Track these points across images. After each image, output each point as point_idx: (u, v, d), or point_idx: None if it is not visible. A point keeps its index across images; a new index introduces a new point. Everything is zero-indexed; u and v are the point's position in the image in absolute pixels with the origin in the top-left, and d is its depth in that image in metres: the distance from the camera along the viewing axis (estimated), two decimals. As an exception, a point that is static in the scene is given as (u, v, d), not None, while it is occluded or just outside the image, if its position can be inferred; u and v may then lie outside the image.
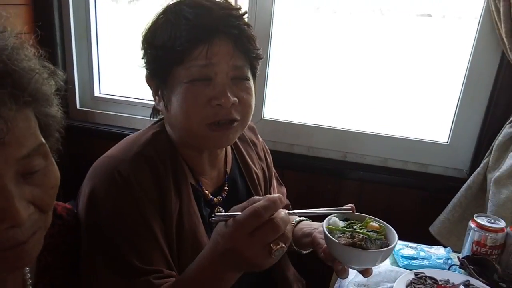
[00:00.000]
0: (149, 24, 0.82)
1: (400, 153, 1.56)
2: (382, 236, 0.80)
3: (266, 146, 1.16)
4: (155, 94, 0.84)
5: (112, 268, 0.73)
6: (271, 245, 0.62)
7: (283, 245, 0.63)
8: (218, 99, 0.76)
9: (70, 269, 0.75)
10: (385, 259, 0.79)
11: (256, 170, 1.02)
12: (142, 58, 0.84)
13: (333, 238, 0.78)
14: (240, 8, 0.81)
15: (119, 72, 1.86)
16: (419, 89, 1.57)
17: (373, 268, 0.89)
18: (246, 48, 0.80)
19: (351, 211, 0.81)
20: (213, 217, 0.66)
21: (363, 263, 0.79)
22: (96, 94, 1.83)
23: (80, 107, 1.82)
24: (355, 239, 0.76)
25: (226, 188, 0.94)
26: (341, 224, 0.84)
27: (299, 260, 1.12)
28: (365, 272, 0.81)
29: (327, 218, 0.83)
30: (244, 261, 0.63)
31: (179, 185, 0.82)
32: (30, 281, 0.68)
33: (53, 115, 0.58)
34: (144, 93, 1.78)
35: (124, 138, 0.86)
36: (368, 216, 0.85)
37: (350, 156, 1.59)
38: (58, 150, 0.61)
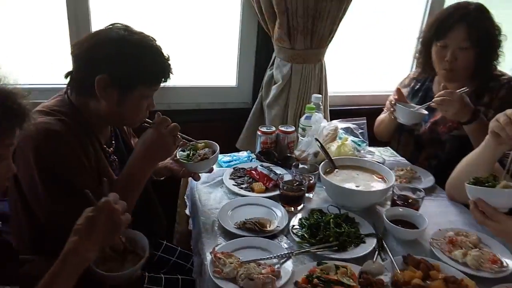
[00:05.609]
0: (108, 48, 1.07)
1: (208, 97, 2.15)
2: (208, 148, 1.38)
3: None
4: (103, 91, 1.09)
5: (67, 194, 1.04)
6: (174, 137, 1.18)
7: (179, 137, 1.19)
8: (152, 107, 1.22)
9: None
10: (215, 162, 1.39)
11: (125, 127, 1.42)
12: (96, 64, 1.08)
13: (187, 162, 1.33)
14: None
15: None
16: (218, 50, 2.14)
17: (209, 172, 1.46)
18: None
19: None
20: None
21: (204, 167, 1.37)
22: None
23: None
24: (195, 156, 1.34)
25: (113, 142, 1.32)
26: (183, 153, 1.38)
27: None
28: (197, 177, 1.41)
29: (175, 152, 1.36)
30: (161, 147, 1.15)
31: (91, 140, 1.15)
32: None
33: None
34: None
35: (38, 107, 1.10)
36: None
37: (173, 106, 2.05)
38: None
